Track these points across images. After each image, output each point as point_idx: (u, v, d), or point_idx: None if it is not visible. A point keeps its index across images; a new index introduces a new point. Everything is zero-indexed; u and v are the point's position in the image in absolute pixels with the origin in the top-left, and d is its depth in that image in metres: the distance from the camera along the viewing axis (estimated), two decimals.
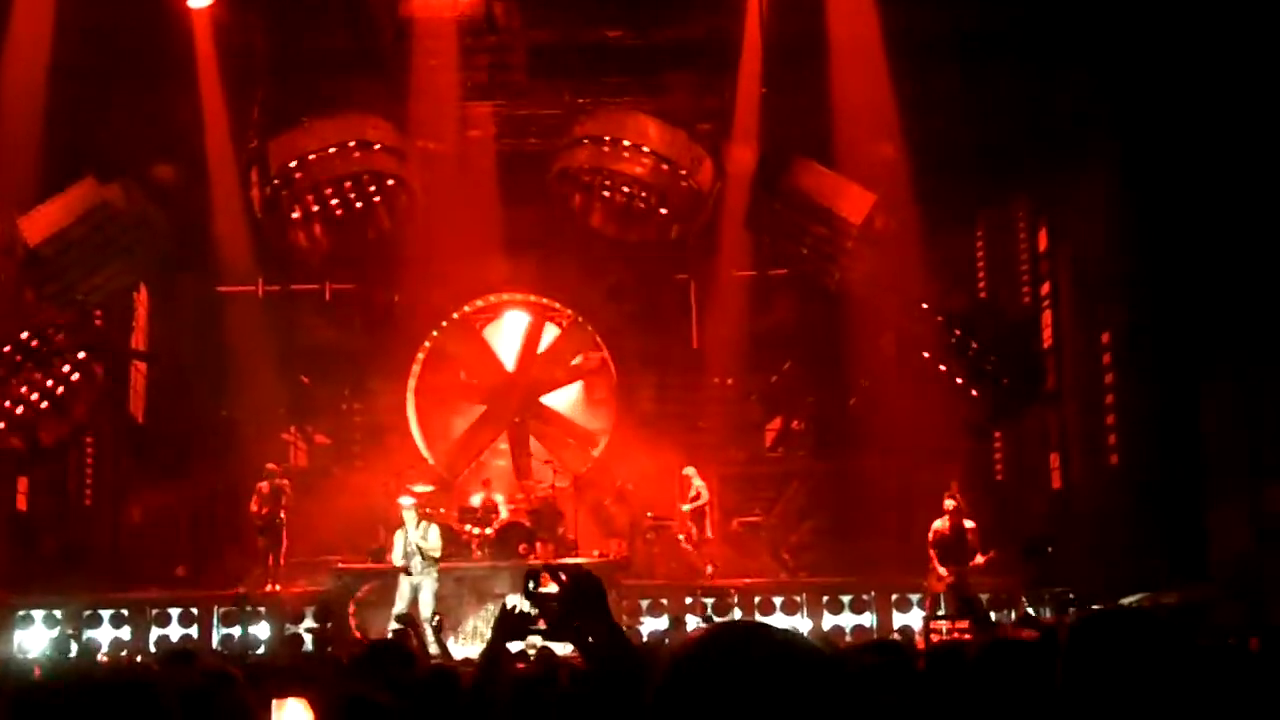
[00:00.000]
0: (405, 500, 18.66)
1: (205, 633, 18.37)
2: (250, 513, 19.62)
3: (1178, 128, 16.65)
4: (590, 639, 3.35)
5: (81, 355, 20.67)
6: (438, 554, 17.39)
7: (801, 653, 2.05)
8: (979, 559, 16.81)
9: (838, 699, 2.02)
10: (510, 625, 4.33)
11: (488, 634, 16.89)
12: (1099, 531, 18.53)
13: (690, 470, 20.09)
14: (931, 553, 17.05)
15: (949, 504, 17.19)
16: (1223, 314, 16.64)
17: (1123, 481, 19.09)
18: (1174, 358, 17.86)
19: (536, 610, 3.56)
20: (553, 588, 3.46)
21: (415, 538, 17.25)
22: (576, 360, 23.40)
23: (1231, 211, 16.06)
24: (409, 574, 17.22)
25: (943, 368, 20.93)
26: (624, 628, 5.76)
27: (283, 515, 19.54)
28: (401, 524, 17.58)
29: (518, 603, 4.04)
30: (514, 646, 4.75)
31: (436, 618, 17.23)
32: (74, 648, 17.36)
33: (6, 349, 20.04)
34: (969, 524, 17.13)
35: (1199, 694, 2.70)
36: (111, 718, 3.31)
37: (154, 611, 18.58)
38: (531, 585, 3.54)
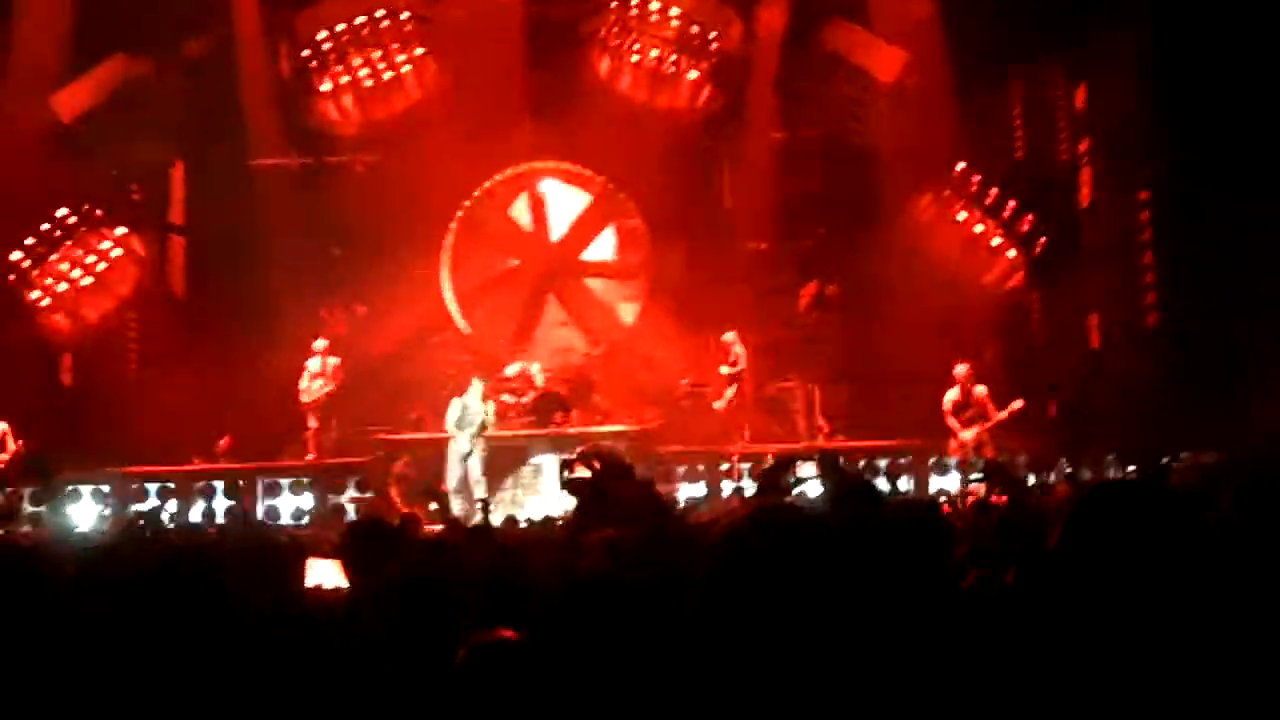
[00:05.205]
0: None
1: (249, 504, 18.77)
2: (299, 389, 19.66)
3: None
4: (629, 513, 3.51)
5: (122, 230, 20.93)
6: (490, 426, 18.01)
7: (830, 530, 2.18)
8: (1003, 413, 16.82)
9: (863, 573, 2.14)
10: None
11: (525, 501, 17.31)
12: (1138, 392, 18.42)
13: (730, 336, 19.81)
14: (949, 423, 17.06)
15: (959, 371, 17.12)
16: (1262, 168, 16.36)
17: (1160, 341, 18.95)
18: (1213, 214, 17.59)
19: (572, 495, 3.67)
20: (585, 473, 3.56)
21: (481, 408, 17.88)
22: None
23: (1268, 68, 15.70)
24: (459, 440, 17.69)
25: (979, 228, 20.75)
26: (660, 494, 5.83)
27: (331, 389, 19.69)
28: (458, 392, 18.13)
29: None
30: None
31: (483, 483, 17.59)
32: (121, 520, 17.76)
33: (46, 226, 20.31)
34: (979, 390, 17.08)
35: (1198, 575, 2.61)
36: (175, 582, 3.48)
37: (199, 484, 18.97)
38: (566, 473, 3.65)
